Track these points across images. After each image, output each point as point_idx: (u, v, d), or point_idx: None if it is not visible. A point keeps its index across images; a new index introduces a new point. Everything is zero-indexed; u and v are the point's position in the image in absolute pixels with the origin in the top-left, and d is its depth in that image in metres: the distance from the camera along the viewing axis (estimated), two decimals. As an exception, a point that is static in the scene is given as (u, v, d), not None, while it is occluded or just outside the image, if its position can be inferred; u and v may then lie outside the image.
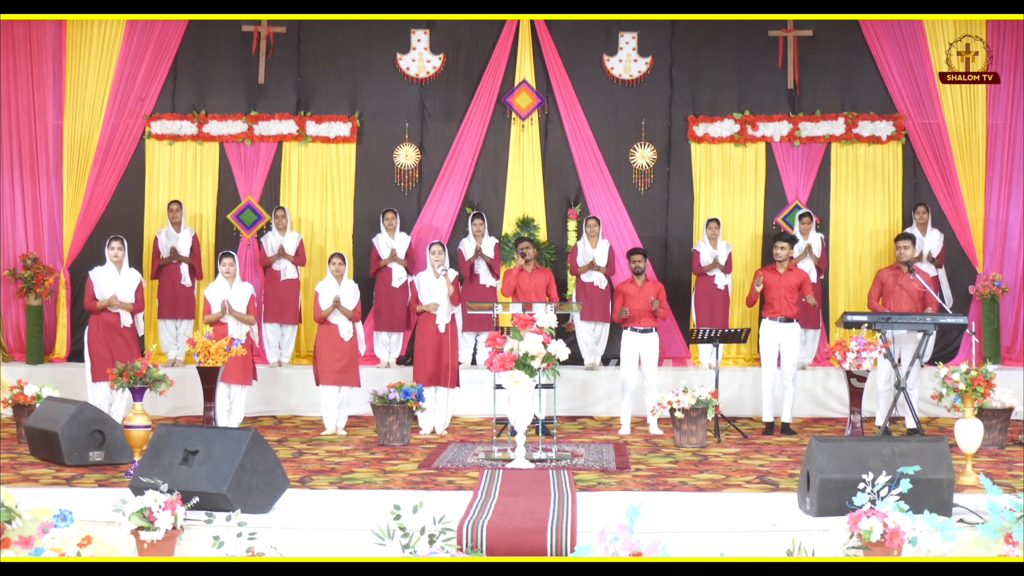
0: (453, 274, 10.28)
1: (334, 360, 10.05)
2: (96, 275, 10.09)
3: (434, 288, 10.14)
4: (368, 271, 11.95)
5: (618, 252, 12.18)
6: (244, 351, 9.31)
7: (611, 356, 11.57)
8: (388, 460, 8.70)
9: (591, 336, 11.93)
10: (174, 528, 5.76)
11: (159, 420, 9.16)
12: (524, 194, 12.58)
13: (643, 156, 12.59)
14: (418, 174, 12.64)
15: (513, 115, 12.54)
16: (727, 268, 11.94)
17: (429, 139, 12.67)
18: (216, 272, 10.40)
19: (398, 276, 11.85)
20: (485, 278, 11.94)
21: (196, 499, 5.91)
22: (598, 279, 11.86)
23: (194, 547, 5.86)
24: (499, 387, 8.73)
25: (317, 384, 10.15)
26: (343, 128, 12.56)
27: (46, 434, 8.37)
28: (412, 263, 11.92)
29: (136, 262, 11.78)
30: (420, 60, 12.59)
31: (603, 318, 11.78)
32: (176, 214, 12.00)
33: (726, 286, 11.95)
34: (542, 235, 12.44)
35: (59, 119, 12.37)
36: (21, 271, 12.01)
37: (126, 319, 10.03)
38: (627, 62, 12.55)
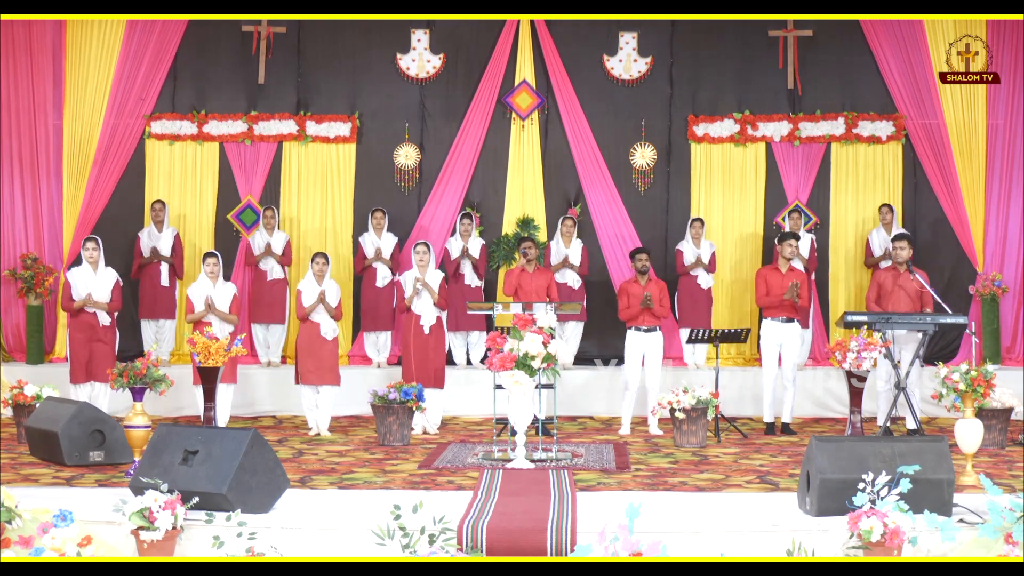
0: (439, 275, 10.27)
1: (313, 360, 10.06)
2: (73, 276, 10.11)
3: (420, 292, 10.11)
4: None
5: (617, 252, 12.16)
6: (244, 351, 9.31)
7: (611, 356, 11.55)
8: (388, 460, 8.69)
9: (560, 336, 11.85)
10: (174, 528, 5.76)
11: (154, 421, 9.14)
12: (524, 194, 12.57)
13: (643, 156, 12.59)
14: (418, 174, 12.63)
15: (513, 115, 12.53)
16: (711, 268, 11.92)
17: (429, 139, 12.67)
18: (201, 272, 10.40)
19: (382, 276, 11.85)
20: (470, 278, 11.92)
21: (196, 499, 5.90)
22: (572, 279, 11.85)
23: (194, 547, 5.86)
24: (499, 387, 8.73)
25: (296, 383, 10.16)
26: (343, 128, 12.56)
27: (46, 434, 8.36)
28: (398, 264, 11.90)
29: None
30: (420, 60, 12.59)
31: (575, 318, 11.76)
32: (159, 214, 12.02)
33: (709, 287, 11.92)
34: (542, 235, 12.42)
35: (59, 119, 12.36)
36: (21, 271, 12.01)
37: (104, 318, 10.04)
38: (627, 62, 12.55)
